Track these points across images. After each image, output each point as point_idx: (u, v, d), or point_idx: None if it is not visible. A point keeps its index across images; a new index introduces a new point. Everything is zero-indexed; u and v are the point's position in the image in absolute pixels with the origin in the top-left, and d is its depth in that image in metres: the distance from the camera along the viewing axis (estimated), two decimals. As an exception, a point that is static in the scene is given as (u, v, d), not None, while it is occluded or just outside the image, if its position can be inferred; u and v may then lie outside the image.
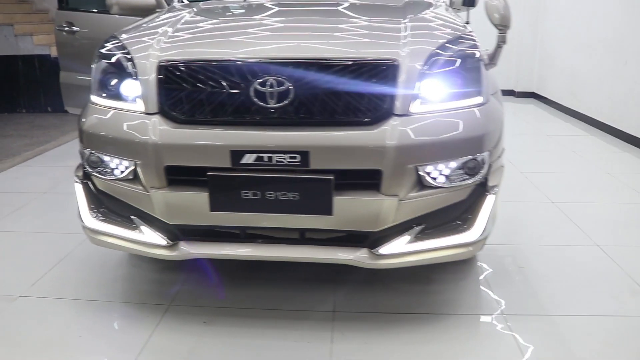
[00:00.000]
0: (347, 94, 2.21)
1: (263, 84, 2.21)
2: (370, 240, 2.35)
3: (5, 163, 5.48)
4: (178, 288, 2.87)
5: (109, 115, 2.43)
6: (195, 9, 3.06)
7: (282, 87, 2.20)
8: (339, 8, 3.01)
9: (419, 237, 2.36)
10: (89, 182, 2.63)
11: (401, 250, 2.34)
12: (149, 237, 2.43)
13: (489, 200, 2.43)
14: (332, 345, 2.41)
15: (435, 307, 2.69)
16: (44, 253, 3.33)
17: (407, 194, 2.26)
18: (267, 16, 2.89)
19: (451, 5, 3.47)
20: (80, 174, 2.66)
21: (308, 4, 3.18)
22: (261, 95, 2.21)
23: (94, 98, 2.53)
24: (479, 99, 2.37)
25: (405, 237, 2.34)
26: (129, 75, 2.40)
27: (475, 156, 2.33)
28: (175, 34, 2.54)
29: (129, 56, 2.43)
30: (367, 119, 2.21)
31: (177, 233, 2.42)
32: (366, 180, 2.24)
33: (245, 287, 2.88)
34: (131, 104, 2.38)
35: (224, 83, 2.25)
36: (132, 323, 2.59)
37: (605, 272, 3.03)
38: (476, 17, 4.17)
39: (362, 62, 2.23)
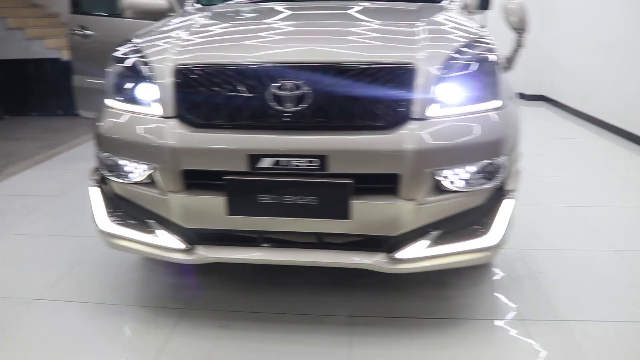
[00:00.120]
0: (365, 97, 2.20)
1: (280, 88, 2.20)
2: (388, 244, 2.34)
3: (18, 166, 5.50)
4: (194, 292, 2.87)
5: (125, 119, 2.43)
6: (208, 13, 3.06)
7: (300, 91, 2.19)
8: (354, 11, 3.00)
9: (436, 241, 2.35)
10: (105, 186, 2.63)
11: (419, 254, 2.33)
12: (166, 241, 2.43)
13: (507, 205, 2.42)
14: (350, 350, 2.40)
15: (452, 312, 2.68)
16: (58, 256, 3.34)
17: (425, 198, 2.25)
18: (282, 20, 2.88)
19: (465, 8, 3.45)
20: (96, 177, 2.66)
21: (322, 8, 3.18)
22: (278, 99, 2.21)
23: (109, 102, 2.53)
24: (496, 103, 2.36)
25: (423, 242, 2.33)
26: (146, 79, 2.39)
27: (493, 160, 2.31)
28: (191, 37, 2.54)
29: (145, 60, 2.43)
30: (385, 123, 2.20)
31: (193, 237, 2.42)
32: (384, 184, 2.23)
33: (260, 291, 2.87)
34: (148, 108, 2.38)
35: (241, 87, 2.25)
36: (148, 327, 2.59)
37: (622, 277, 3.01)
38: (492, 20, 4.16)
39: (380, 66, 2.22)
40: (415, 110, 2.21)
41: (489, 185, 2.34)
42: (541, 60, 8.32)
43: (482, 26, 2.68)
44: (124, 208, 2.59)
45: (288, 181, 2.22)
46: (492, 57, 2.40)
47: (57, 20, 9.06)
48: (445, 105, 2.26)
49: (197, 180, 2.31)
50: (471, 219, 2.41)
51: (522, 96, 8.54)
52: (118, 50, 2.61)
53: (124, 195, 2.54)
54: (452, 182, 2.27)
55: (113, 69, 2.56)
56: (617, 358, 2.36)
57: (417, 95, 2.21)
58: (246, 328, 2.56)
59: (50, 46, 8.13)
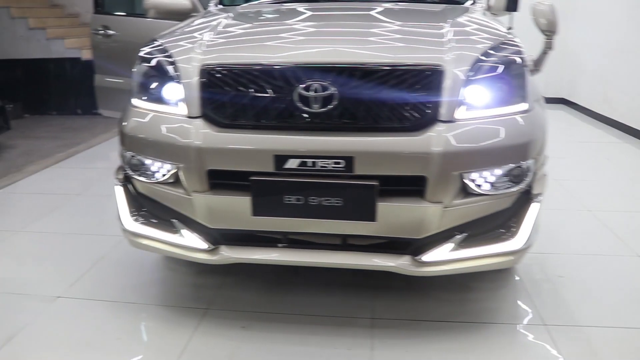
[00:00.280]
0: (392, 99, 2.19)
1: (307, 89, 2.19)
2: (413, 247, 2.33)
3: (39, 164, 5.55)
4: (215, 292, 2.87)
5: (150, 119, 2.43)
6: (232, 14, 3.06)
7: (327, 92, 2.18)
8: (379, 12, 2.99)
9: (462, 244, 2.33)
10: (130, 185, 2.63)
11: (444, 257, 2.32)
12: (190, 241, 2.43)
13: (533, 209, 2.40)
14: (372, 352, 2.38)
15: (474, 316, 2.65)
16: (80, 254, 3.36)
17: (452, 201, 2.23)
18: (307, 20, 2.88)
19: (489, 9, 3.42)
20: (121, 176, 2.67)
21: (347, 8, 3.17)
22: (305, 100, 2.20)
23: (135, 101, 2.54)
24: (523, 106, 2.34)
25: (449, 245, 2.32)
26: (171, 78, 2.40)
27: (520, 164, 2.29)
28: (217, 37, 2.54)
29: (171, 59, 2.43)
30: (412, 125, 2.19)
31: (218, 237, 2.42)
32: (410, 186, 2.22)
33: (281, 292, 2.87)
34: (173, 107, 2.38)
35: (267, 87, 2.24)
36: (170, 326, 2.59)
37: (648, 283, 2.97)
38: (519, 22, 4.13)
39: (407, 68, 2.21)
40: (443, 112, 2.19)
41: (516, 188, 2.32)
42: (561, 63, 8.23)
43: (509, 28, 2.65)
44: (148, 207, 2.59)
45: (314, 182, 2.21)
46: (519, 59, 2.38)
47: (77, 20, 9.15)
48: (473, 108, 2.24)
49: (222, 180, 2.31)
50: (497, 223, 2.39)
51: (541, 99, 8.46)
52: (143, 49, 2.61)
53: (148, 194, 2.55)
54: (479, 185, 2.26)
55: (138, 69, 2.57)
56: (641, 365, 2.33)
57: (444, 97, 2.19)
58: (268, 329, 2.56)
59: (70, 46, 8.21)
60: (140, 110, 2.49)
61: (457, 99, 2.21)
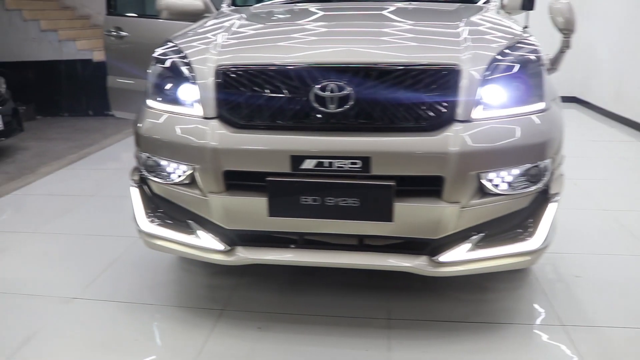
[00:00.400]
0: (409, 99, 2.18)
1: (323, 89, 2.19)
2: (430, 247, 2.32)
3: (52, 166, 5.58)
4: (230, 293, 2.87)
5: (166, 120, 2.43)
6: (246, 14, 3.06)
7: (343, 92, 2.17)
8: (393, 12, 2.97)
9: (479, 245, 2.32)
10: (145, 186, 2.64)
11: (461, 258, 2.30)
12: (206, 242, 2.43)
13: (551, 209, 2.38)
14: (389, 353, 2.37)
15: (491, 317, 2.64)
16: (95, 255, 3.37)
17: (469, 201, 2.22)
18: (321, 20, 2.87)
19: (503, 8, 3.40)
20: (136, 177, 2.67)
21: (361, 8, 3.16)
22: (321, 100, 2.19)
23: (150, 102, 2.54)
24: (540, 105, 2.32)
25: (466, 245, 2.30)
26: (187, 79, 2.40)
27: (538, 163, 2.28)
28: (231, 38, 2.53)
29: (186, 60, 2.43)
30: (429, 125, 2.18)
31: (233, 238, 2.42)
32: (427, 186, 2.21)
33: (296, 293, 2.86)
34: (189, 108, 2.38)
35: (283, 88, 2.24)
36: (186, 327, 2.59)
37: (666, 283, 2.94)
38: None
39: (424, 67, 2.19)
40: (460, 112, 2.18)
41: (533, 188, 2.31)
42: (573, 61, 8.12)
43: (525, 27, 2.63)
44: (164, 208, 2.60)
45: (330, 183, 2.20)
46: (536, 58, 2.36)
47: (89, 22, 9.19)
48: (490, 108, 2.23)
49: (238, 181, 2.30)
50: (514, 223, 2.38)
51: (553, 98, 8.41)
52: (158, 50, 2.61)
53: (163, 195, 2.55)
54: (496, 185, 2.24)
55: (153, 70, 2.57)
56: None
57: (461, 97, 2.18)
58: (284, 330, 2.55)
59: (82, 47, 8.25)
60: (156, 111, 2.49)
61: (474, 98, 2.19)
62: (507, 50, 2.33)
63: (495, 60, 2.27)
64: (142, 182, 2.65)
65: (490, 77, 2.24)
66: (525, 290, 2.89)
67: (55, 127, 7.82)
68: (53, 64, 8.30)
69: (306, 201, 2.23)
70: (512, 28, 2.63)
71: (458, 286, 2.87)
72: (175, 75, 2.46)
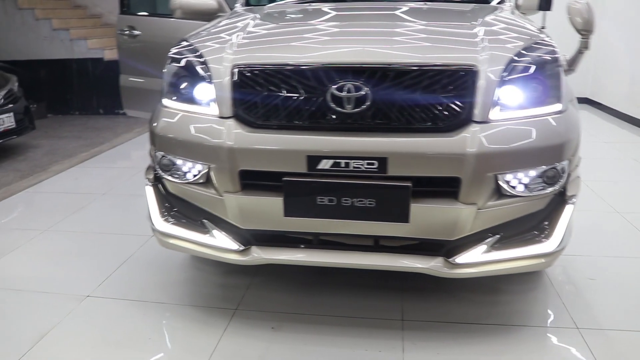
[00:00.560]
0: (426, 99, 2.17)
1: (340, 89, 2.18)
2: (446, 249, 2.31)
3: (63, 164, 5.60)
4: (243, 292, 2.87)
5: (182, 119, 2.43)
6: (262, 14, 3.05)
7: (360, 92, 2.17)
8: (409, 12, 2.96)
9: (495, 246, 2.31)
10: (160, 185, 2.64)
11: (477, 259, 2.29)
12: (221, 242, 2.43)
13: (567, 211, 2.37)
14: (403, 354, 2.37)
15: (505, 319, 2.62)
16: (108, 254, 3.38)
17: (486, 202, 2.21)
18: (337, 20, 2.87)
19: (518, 8, 3.39)
20: (151, 176, 2.67)
21: (376, 9, 3.15)
22: (338, 100, 2.19)
23: (166, 101, 2.54)
24: (558, 106, 2.30)
25: (482, 247, 2.29)
26: (203, 78, 2.40)
27: (555, 165, 2.26)
28: (247, 37, 2.53)
29: (201, 59, 2.43)
30: (446, 126, 2.17)
31: (248, 238, 2.41)
32: (444, 187, 2.20)
33: (309, 293, 2.86)
34: (205, 108, 2.38)
35: (299, 87, 2.23)
36: (200, 326, 2.60)
37: (682, 287, 2.92)
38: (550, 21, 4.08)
39: (441, 68, 2.18)
40: (477, 113, 2.17)
41: (550, 190, 2.29)
42: (585, 62, 8.11)
43: (542, 27, 2.62)
44: (178, 207, 2.60)
45: (347, 183, 2.19)
46: (554, 59, 2.34)
47: (100, 21, 9.22)
48: (507, 109, 2.22)
49: (254, 180, 2.30)
50: (531, 225, 2.37)
51: (564, 99, 8.36)
52: (174, 50, 2.61)
53: (178, 194, 2.55)
54: (513, 187, 2.23)
55: (169, 69, 2.57)
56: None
57: (478, 98, 2.17)
58: (298, 330, 2.55)
59: (93, 46, 8.28)
60: (171, 110, 2.49)
61: (492, 99, 2.18)
62: (524, 51, 2.32)
63: (512, 61, 2.26)
64: (156, 181, 2.65)
65: (507, 78, 2.22)
66: (539, 292, 2.87)
67: (66, 125, 7.85)
68: (64, 62, 8.34)
69: (322, 201, 2.22)
70: (528, 28, 2.62)
71: (471, 288, 2.86)
72: (191, 74, 2.46)
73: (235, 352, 2.41)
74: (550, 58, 2.34)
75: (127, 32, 4.42)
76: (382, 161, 2.15)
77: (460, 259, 2.28)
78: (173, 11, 3.54)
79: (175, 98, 2.51)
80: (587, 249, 3.33)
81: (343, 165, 2.17)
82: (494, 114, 2.19)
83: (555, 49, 2.39)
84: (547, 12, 3.40)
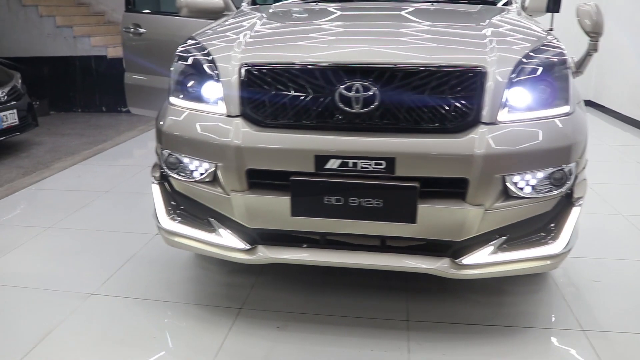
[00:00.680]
0: (434, 100, 2.17)
1: (349, 89, 2.18)
2: (452, 250, 2.31)
3: (66, 161, 5.60)
4: (247, 292, 2.86)
5: (189, 117, 2.43)
6: (268, 13, 3.05)
7: (368, 93, 2.17)
8: (416, 13, 2.96)
9: (502, 248, 2.31)
10: (166, 183, 2.64)
11: (484, 261, 2.29)
12: (227, 241, 2.43)
13: (574, 213, 2.37)
14: (409, 355, 2.36)
15: (510, 320, 2.62)
16: (111, 252, 3.38)
17: (493, 204, 2.21)
18: (344, 20, 2.87)
19: (524, 10, 3.38)
20: (157, 174, 2.67)
21: (384, 9, 3.15)
22: (346, 100, 2.18)
23: (173, 99, 2.54)
24: (566, 108, 2.30)
25: (488, 248, 2.29)
26: (210, 77, 2.39)
27: (562, 167, 2.26)
28: (254, 36, 2.53)
29: (209, 58, 2.43)
30: (454, 127, 2.17)
31: (255, 237, 2.41)
32: (451, 188, 2.20)
33: (314, 292, 2.86)
34: (212, 106, 2.38)
35: (308, 87, 2.23)
36: (205, 325, 2.59)
37: (686, 290, 2.92)
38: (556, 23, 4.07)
39: (450, 69, 2.18)
40: (485, 114, 2.17)
41: (558, 191, 2.29)
42: (589, 65, 8.12)
43: (550, 29, 2.62)
44: (185, 206, 2.60)
45: (354, 183, 2.19)
46: (562, 61, 2.34)
47: (103, 18, 9.22)
48: (515, 110, 2.22)
49: (261, 180, 2.30)
50: (538, 226, 2.37)
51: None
52: (181, 48, 2.61)
53: (184, 193, 2.55)
54: (520, 188, 2.23)
55: (176, 67, 2.57)
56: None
57: (487, 99, 2.17)
58: (303, 329, 2.55)
59: (96, 44, 8.28)
60: (179, 108, 2.49)
61: (500, 100, 2.18)
62: (532, 53, 2.32)
63: (521, 62, 2.26)
64: (163, 179, 2.65)
65: (516, 80, 2.22)
66: (544, 294, 2.87)
67: (68, 122, 7.85)
68: (67, 59, 8.34)
69: (329, 201, 2.22)
70: (536, 30, 2.61)
71: (475, 289, 2.85)
72: (198, 72, 2.45)
73: (241, 351, 2.41)
74: (558, 60, 2.34)
75: (132, 29, 4.41)
76: (390, 161, 2.15)
77: (467, 260, 2.28)
78: (179, 9, 3.54)
79: (182, 96, 2.51)
80: (591, 251, 3.33)
81: (351, 165, 2.17)
82: (502, 115, 2.19)
83: (564, 51, 2.39)
84: (554, 14, 3.40)
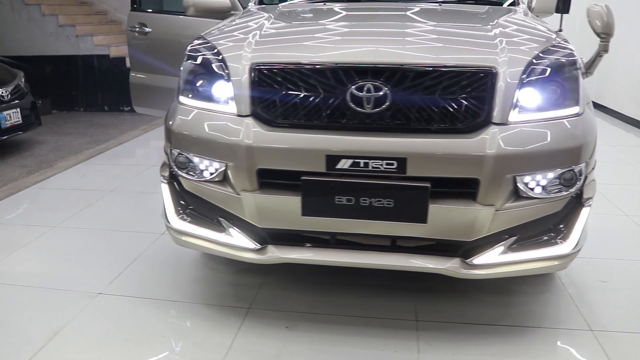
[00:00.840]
0: (445, 100, 2.17)
1: (360, 89, 2.18)
2: (463, 250, 2.31)
3: (70, 160, 5.60)
4: (256, 291, 2.87)
5: (199, 116, 2.43)
6: (273, 14, 3.04)
7: (380, 93, 2.17)
8: (425, 13, 2.96)
9: (512, 248, 2.32)
10: (175, 183, 2.63)
11: (494, 261, 2.30)
12: (238, 240, 2.43)
13: (584, 213, 2.38)
14: (419, 355, 2.37)
15: (519, 320, 2.62)
16: (118, 251, 3.38)
17: (504, 204, 2.21)
18: (353, 20, 2.87)
19: (531, 11, 3.38)
20: (167, 173, 2.67)
21: (394, 9, 3.15)
22: (357, 100, 2.19)
23: (183, 99, 2.53)
24: (576, 109, 2.31)
25: (499, 248, 2.30)
26: (221, 76, 2.39)
27: (573, 167, 2.27)
28: (264, 36, 2.53)
29: (219, 57, 2.42)
30: (466, 127, 2.17)
31: (265, 236, 2.41)
32: (462, 189, 2.20)
33: (322, 292, 2.86)
34: (223, 106, 2.38)
35: (319, 86, 2.23)
36: (213, 325, 2.59)
37: (694, 290, 2.92)
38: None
39: (462, 69, 2.19)
40: (496, 114, 2.17)
41: (568, 192, 2.30)
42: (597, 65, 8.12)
43: (559, 30, 2.62)
44: (194, 205, 2.59)
45: (365, 183, 2.19)
46: (572, 62, 2.35)
47: (106, 17, 9.22)
48: (526, 111, 2.22)
49: (272, 179, 2.30)
50: (547, 227, 2.38)
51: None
52: (190, 47, 2.60)
53: (194, 192, 2.54)
54: (531, 189, 2.23)
55: (186, 66, 2.56)
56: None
57: (498, 99, 2.17)
58: (312, 329, 2.55)
59: (99, 43, 8.28)
60: (188, 107, 2.49)
61: (511, 101, 2.19)
62: (542, 54, 2.32)
63: (531, 63, 2.26)
64: (172, 179, 2.65)
65: (526, 80, 2.23)
66: (552, 294, 2.87)
67: (71, 121, 7.84)
68: (70, 58, 8.34)
69: (340, 201, 2.22)
70: (545, 31, 2.62)
71: (484, 289, 2.86)
72: (208, 72, 2.45)
73: (251, 351, 2.41)
74: (568, 61, 2.35)
75: (138, 29, 4.41)
76: (401, 161, 2.15)
77: (478, 260, 2.28)
78: (186, 9, 3.54)
79: (192, 95, 2.51)
80: (597, 251, 3.33)
81: (362, 165, 2.17)
82: (513, 116, 2.19)
83: (574, 52, 2.40)
84: (562, 15, 3.40)
